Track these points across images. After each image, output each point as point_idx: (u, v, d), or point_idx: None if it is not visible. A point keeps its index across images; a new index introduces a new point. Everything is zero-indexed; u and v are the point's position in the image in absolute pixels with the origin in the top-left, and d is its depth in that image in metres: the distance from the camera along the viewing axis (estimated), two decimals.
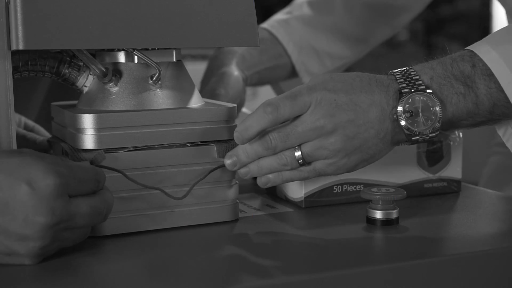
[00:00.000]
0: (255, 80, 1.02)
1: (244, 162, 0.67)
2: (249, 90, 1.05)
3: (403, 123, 0.65)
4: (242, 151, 0.67)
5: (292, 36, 1.05)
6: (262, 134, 0.66)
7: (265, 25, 1.07)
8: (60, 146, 0.69)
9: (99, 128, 0.64)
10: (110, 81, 0.67)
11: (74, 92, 0.70)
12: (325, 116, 0.64)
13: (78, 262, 0.59)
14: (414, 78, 0.66)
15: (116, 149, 0.64)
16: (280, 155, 0.66)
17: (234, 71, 0.96)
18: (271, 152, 0.66)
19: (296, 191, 0.75)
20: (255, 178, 0.90)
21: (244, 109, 0.98)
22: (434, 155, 0.78)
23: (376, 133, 0.65)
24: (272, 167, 0.67)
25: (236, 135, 0.66)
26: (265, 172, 0.67)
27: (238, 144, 0.67)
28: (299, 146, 0.65)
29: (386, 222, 0.67)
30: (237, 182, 0.70)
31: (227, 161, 0.67)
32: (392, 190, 0.68)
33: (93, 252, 0.61)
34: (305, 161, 0.66)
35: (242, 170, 0.68)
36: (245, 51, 1.00)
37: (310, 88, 0.65)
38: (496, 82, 0.65)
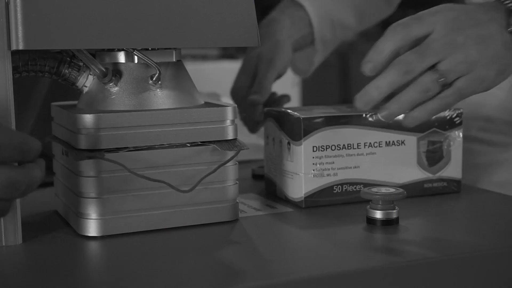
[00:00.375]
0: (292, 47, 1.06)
1: (375, 99, 0.67)
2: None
3: None
4: (373, 87, 0.67)
5: (315, 6, 1.08)
6: (394, 63, 0.67)
7: None
8: (60, 146, 0.69)
9: (99, 128, 0.64)
10: (110, 81, 0.67)
11: (74, 92, 0.70)
12: (453, 30, 0.67)
13: (77, 263, 0.59)
14: None
15: (116, 149, 0.64)
16: (419, 82, 0.67)
17: (286, 38, 0.99)
18: (410, 77, 0.67)
19: (296, 191, 0.75)
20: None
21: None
22: (434, 155, 0.78)
23: (502, 43, 0.69)
24: (413, 98, 0.68)
25: (367, 66, 0.68)
26: (407, 107, 0.68)
27: (240, 141, 0.67)
28: (436, 67, 0.67)
29: (386, 222, 0.67)
30: (237, 182, 0.70)
31: (359, 102, 0.68)
32: (392, 190, 0.68)
33: (92, 253, 0.61)
34: (446, 81, 0.68)
35: (383, 113, 0.69)
36: (288, 19, 1.02)
37: (432, 11, 0.69)
38: None
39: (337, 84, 3.71)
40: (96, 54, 0.69)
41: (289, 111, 0.75)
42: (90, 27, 0.62)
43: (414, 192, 0.78)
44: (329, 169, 0.74)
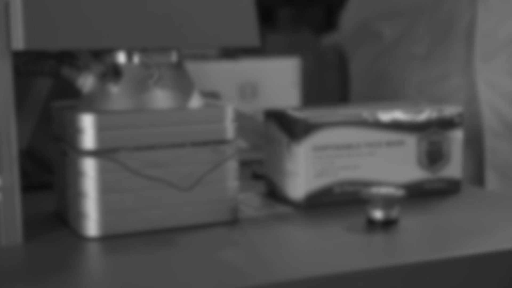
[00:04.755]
0: None
1: None
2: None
3: None
4: None
5: None
6: None
7: None
8: (60, 146, 0.69)
9: (99, 128, 0.64)
10: (110, 81, 0.67)
11: (74, 92, 0.70)
12: None
13: (76, 263, 0.59)
14: None
15: (116, 149, 0.64)
16: None
17: None
18: None
19: (296, 191, 0.75)
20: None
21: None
22: (434, 155, 0.79)
23: None
24: None
25: None
26: None
27: (240, 141, 0.67)
28: None
29: (386, 222, 0.67)
30: (237, 182, 0.70)
31: None
32: (392, 190, 0.68)
33: (92, 252, 0.61)
34: None
35: None
36: None
37: None
38: None
39: (337, 84, 3.71)
40: (96, 54, 0.69)
41: (289, 111, 0.75)
42: (90, 27, 0.62)
43: (414, 192, 0.78)
44: (329, 169, 0.74)
